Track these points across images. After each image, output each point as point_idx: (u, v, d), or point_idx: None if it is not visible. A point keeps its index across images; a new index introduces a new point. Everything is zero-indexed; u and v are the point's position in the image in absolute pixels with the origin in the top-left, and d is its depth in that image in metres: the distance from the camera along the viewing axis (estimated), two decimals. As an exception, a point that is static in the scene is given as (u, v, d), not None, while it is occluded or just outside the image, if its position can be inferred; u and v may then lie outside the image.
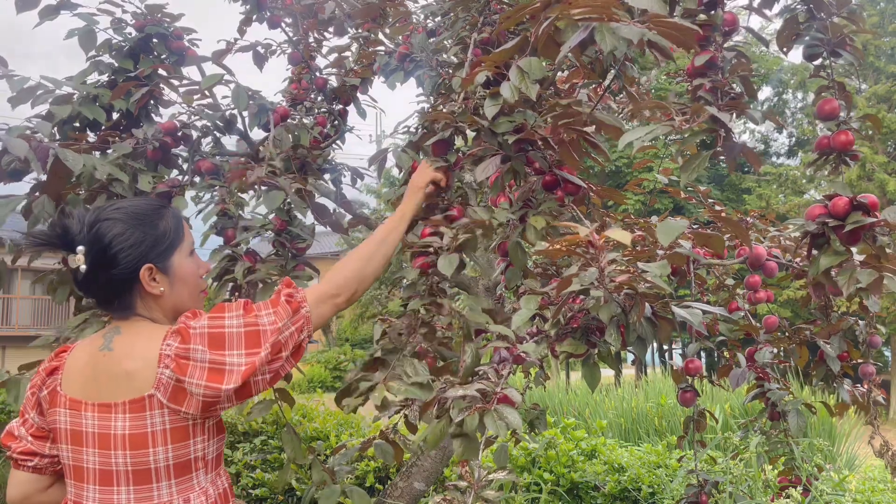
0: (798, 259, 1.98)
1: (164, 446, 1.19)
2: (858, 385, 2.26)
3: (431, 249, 1.50)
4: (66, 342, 1.90)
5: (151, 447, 1.18)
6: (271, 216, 2.13)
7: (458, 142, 1.69)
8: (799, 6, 1.63)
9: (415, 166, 1.74)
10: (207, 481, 1.26)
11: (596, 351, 1.35)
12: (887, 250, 1.41)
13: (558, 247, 1.19)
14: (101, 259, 1.23)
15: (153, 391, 1.18)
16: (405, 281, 1.61)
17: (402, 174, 1.86)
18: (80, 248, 1.22)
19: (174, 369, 1.18)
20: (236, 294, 2.03)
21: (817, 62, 1.64)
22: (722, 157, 1.54)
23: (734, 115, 1.50)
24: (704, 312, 1.41)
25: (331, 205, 2.62)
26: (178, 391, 1.18)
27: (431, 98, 2.56)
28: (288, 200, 2.07)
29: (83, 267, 1.22)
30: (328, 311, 1.36)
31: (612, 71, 1.71)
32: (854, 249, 1.45)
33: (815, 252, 1.48)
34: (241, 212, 2.20)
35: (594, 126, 1.50)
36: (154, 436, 1.18)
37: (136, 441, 1.18)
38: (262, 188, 2.08)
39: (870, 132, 12.99)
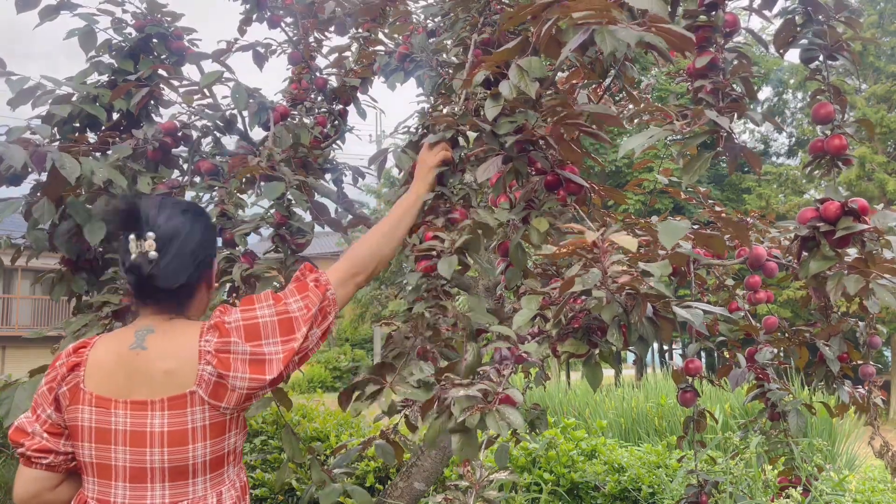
0: (794, 261, 1.98)
1: (203, 442, 1.19)
2: (859, 387, 2.26)
3: (434, 253, 1.51)
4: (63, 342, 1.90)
5: (191, 443, 1.19)
6: (271, 211, 2.12)
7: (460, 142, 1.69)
8: (798, 7, 1.63)
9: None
10: (234, 474, 1.28)
11: (597, 351, 1.36)
12: (886, 252, 1.41)
13: (565, 250, 1.20)
14: (192, 251, 1.25)
15: (195, 388, 1.18)
16: (408, 286, 1.61)
17: (402, 174, 1.86)
18: (151, 234, 1.21)
19: (216, 365, 1.19)
20: (234, 295, 2.02)
21: (814, 65, 1.64)
22: (723, 158, 1.54)
23: (735, 116, 1.50)
24: (705, 312, 1.41)
25: (331, 205, 2.62)
26: (219, 387, 1.19)
27: (431, 98, 2.56)
28: (288, 196, 2.07)
29: (153, 253, 1.20)
30: (350, 291, 1.40)
31: (612, 71, 1.71)
32: (851, 252, 1.45)
33: (805, 255, 1.49)
34: (240, 211, 2.20)
35: (593, 124, 1.50)
36: (194, 432, 1.19)
37: (175, 438, 1.18)
38: (262, 183, 2.08)
39: (866, 135, 12.98)
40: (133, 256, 1.20)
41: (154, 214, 1.23)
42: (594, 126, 1.47)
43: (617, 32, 1.05)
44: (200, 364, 1.19)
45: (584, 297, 1.32)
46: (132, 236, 1.21)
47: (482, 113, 1.43)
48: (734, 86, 1.54)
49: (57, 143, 2.17)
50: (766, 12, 1.64)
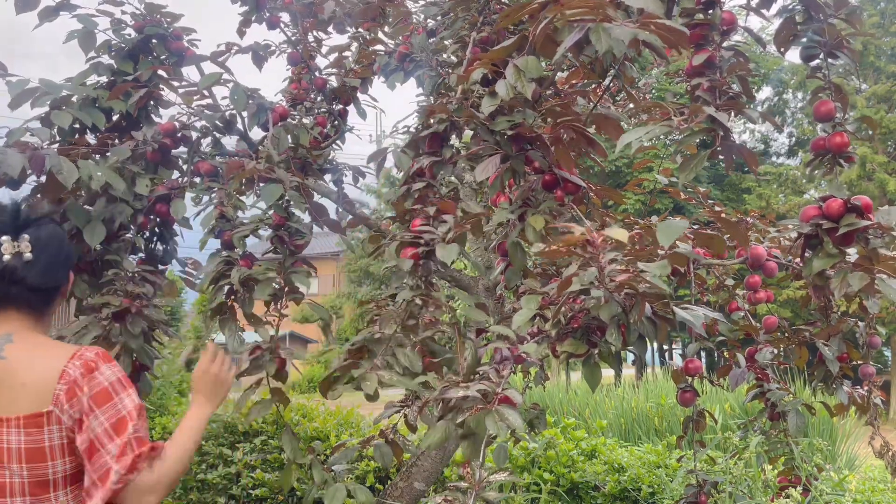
0: (797, 259, 1.98)
1: (62, 459, 1.18)
2: (858, 387, 2.26)
3: (422, 241, 1.50)
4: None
5: (50, 460, 1.17)
6: (269, 212, 2.12)
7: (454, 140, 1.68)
8: (797, 6, 1.63)
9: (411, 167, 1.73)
10: (89, 483, 1.24)
11: (597, 351, 1.35)
12: (882, 251, 1.41)
13: (556, 248, 1.19)
14: (65, 256, 1.26)
15: (52, 408, 1.17)
16: (394, 272, 1.60)
17: (402, 174, 1.85)
18: (26, 235, 1.21)
19: (66, 393, 1.17)
20: (232, 297, 2.02)
21: (814, 63, 1.64)
22: (721, 157, 1.54)
23: (732, 114, 1.50)
24: (705, 315, 1.41)
25: (331, 205, 2.61)
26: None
27: (431, 98, 2.56)
28: (286, 197, 2.06)
29: (28, 255, 1.20)
30: (144, 499, 1.22)
31: (612, 71, 1.71)
32: (851, 250, 1.45)
33: (808, 253, 1.48)
34: (239, 214, 2.20)
35: (594, 126, 1.50)
36: (52, 450, 1.17)
37: (33, 455, 1.16)
38: (261, 184, 2.08)
39: (869, 132, 12.99)
40: (6, 258, 1.19)
41: (25, 219, 1.23)
42: (594, 126, 1.47)
43: (611, 30, 1.05)
44: (59, 384, 1.17)
45: (583, 297, 1.32)
46: (5, 238, 1.19)
47: (480, 108, 1.43)
48: (731, 84, 1.54)
49: (56, 146, 2.16)
50: (765, 11, 1.64)
